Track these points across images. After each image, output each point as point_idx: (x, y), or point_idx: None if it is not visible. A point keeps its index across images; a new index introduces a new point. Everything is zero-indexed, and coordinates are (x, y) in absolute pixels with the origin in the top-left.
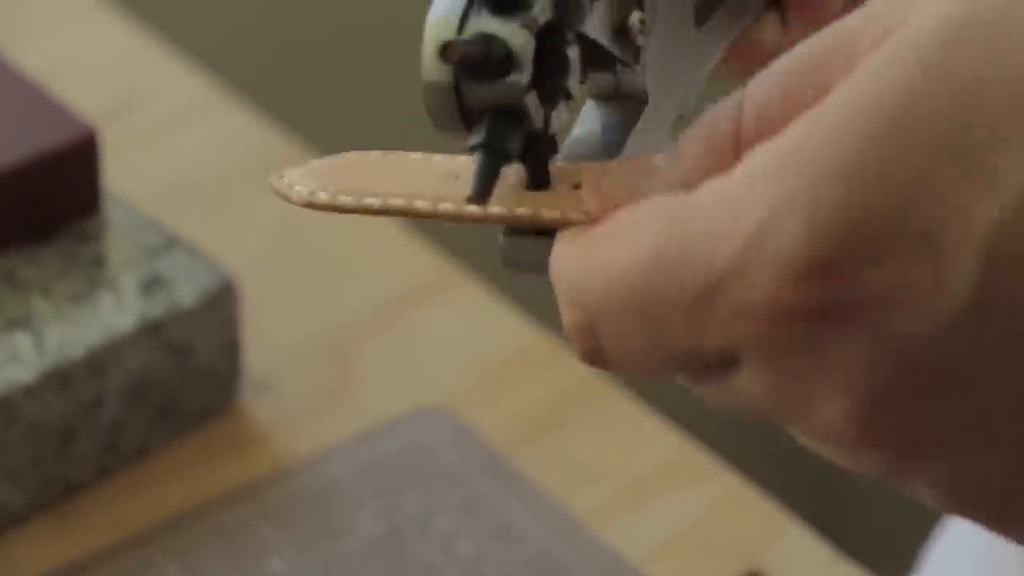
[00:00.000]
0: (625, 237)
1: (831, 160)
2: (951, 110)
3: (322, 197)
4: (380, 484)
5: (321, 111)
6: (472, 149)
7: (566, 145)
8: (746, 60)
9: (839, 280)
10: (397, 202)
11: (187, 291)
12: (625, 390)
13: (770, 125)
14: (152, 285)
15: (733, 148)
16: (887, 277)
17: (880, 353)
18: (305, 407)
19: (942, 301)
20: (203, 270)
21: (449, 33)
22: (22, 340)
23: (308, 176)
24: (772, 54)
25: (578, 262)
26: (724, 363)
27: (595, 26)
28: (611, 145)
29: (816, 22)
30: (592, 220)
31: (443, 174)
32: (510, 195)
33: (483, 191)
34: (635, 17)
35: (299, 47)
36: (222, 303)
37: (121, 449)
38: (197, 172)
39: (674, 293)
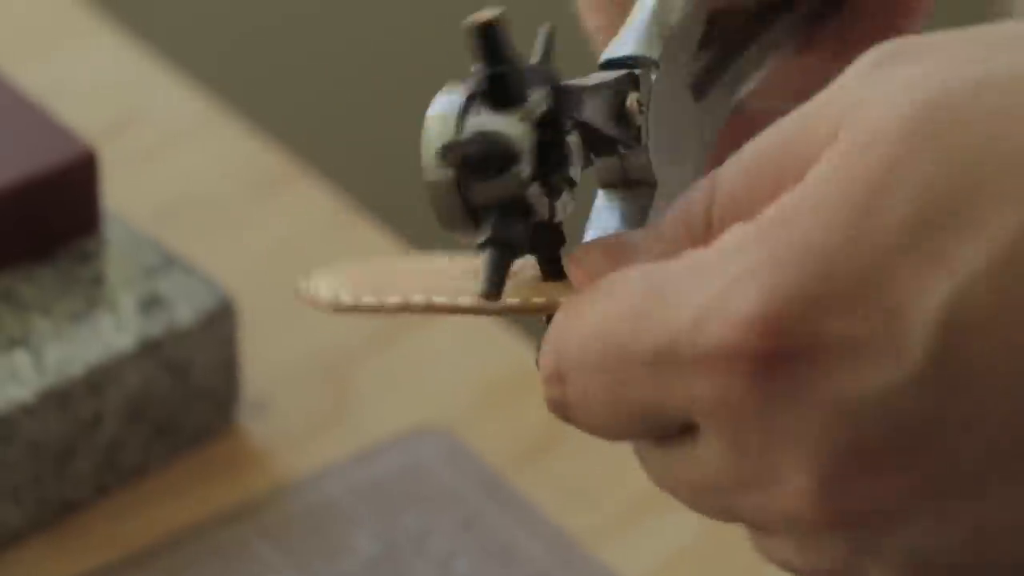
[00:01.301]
0: (606, 295)
1: (796, 239)
2: (908, 200)
3: (345, 299)
4: (378, 504)
5: (319, 130)
6: (480, 246)
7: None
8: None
9: (791, 339)
10: (417, 299)
11: (186, 310)
12: None
13: (738, 209)
14: (151, 304)
15: (706, 229)
16: (842, 333)
17: (837, 422)
18: (303, 427)
19: (897, 364)
20: (202, 289)
21: (448, 132)
22: (21, 359)
23: (331, 276)
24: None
25: (563, 320)
26: (684, 429)
27: (593, 111)
28: None
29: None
30: None
31: (465, 272)
32: (527, 287)
33: (494, 287)
34: (632, 99)
35: (297, 66)
36: (221, 322)
37: (119, 468)
38: (196, 191)
39: (638, 348)
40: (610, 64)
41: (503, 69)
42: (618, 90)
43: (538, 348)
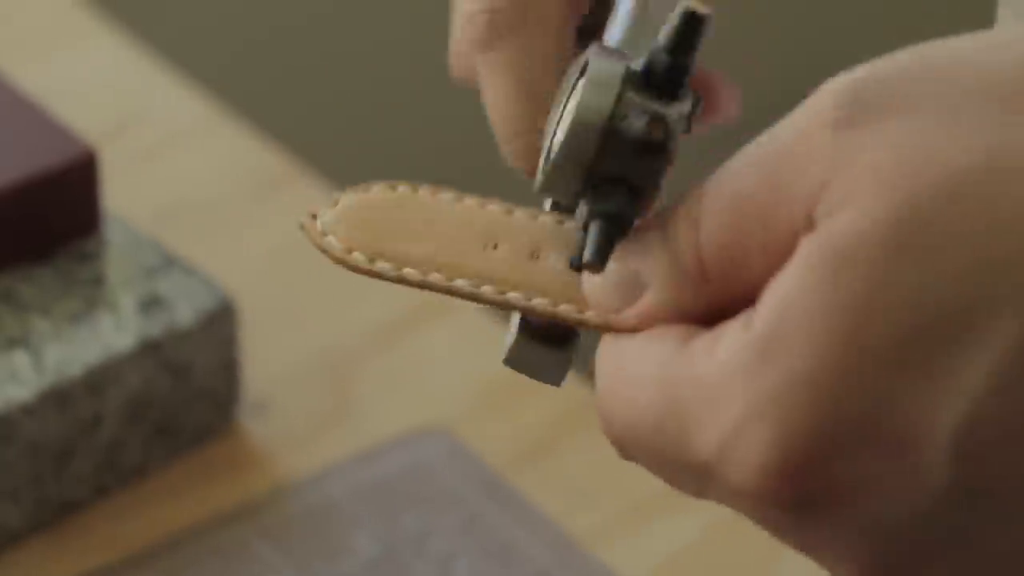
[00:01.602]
0: (634, 388)
1: (794, 370)
2: (897, 322)
3: (359, 260)
4: (378, 504)
5: (320, 131)
6: (598, 216)
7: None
8: None
9: (809, 482)
10: (438, 279)
11: (186, 311)
12: None
13: (732, 261)
14: (151, 305)
15: (703, 279)
16: (859, 478)
17: (870, 538)
18: (304, 427)
19: (919, 494)
20: (202, 290)
21: (608, 101)
22: (21, 359)
23: (341, 224)
24: None
25: (606, 387)
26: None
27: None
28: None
29: None
30: (605, 325)
31: (482, 236)
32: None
33: (601, 260)
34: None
35: (297, 67)
36: (221, 323)
37: (119, 468)
38: (196, 192)
39: (678, 461)
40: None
41: (688, 62)
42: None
43: None
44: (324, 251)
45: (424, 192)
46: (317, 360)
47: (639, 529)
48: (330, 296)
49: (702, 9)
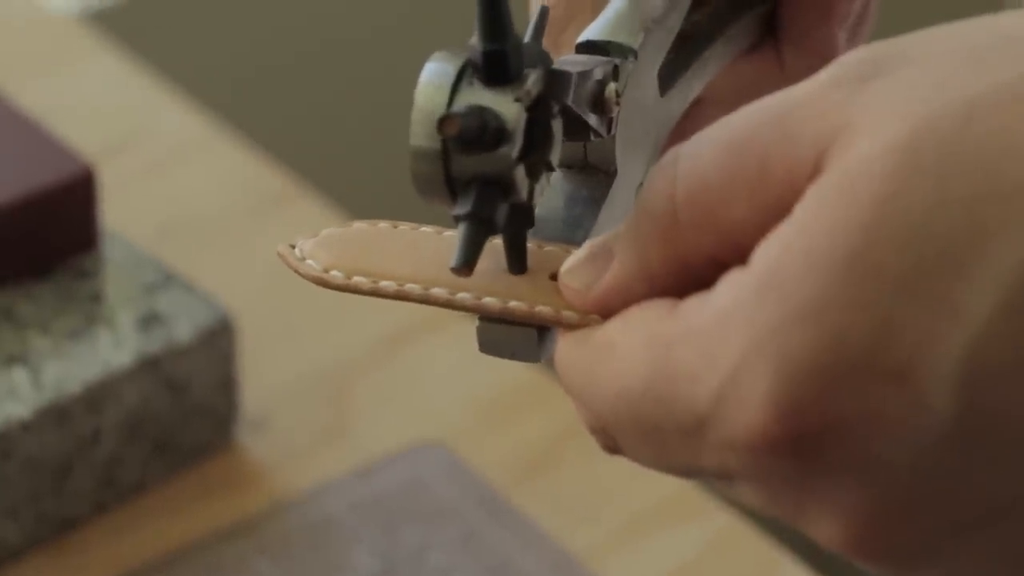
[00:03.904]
0: (620, 360)
1: (795, 303)
2: (906, 244)
3: (336, 277)
4: (376, 520)
5: (319, 149)
6: (458, 219)
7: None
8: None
9: (811, 419)
10: (414, 289)
11: (184, 328)
12: None
13: (708, 200)
14: (149, 321)
15: (673, 227)
16: (861, 411)
17: (867, 481)
18: (302, 443)
19: (921, 428)
20: (200, 307)
21: (441, 102)
22: (19, 376)
23: (320, 249)
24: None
25: (583, 374)
26: (725, 477)
27: (577, 97)
28: (571, 220)
29: (813, 57)
30: (583, 323)
31: (451, 254)
32: (497, 283)
33: (468, 261)
34: (611, 88)
35: (297, 86)
36: (219, 340)
37: (118, 485)
38: (195, 209)
39: (668, 423)
40: (589, 47)
41: (504, 46)
42: (600, 79)
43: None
44: (301, 273)
45: (404, 226)
46: (315, 376)
47: (637, 545)
48: (328, 313)
49: None
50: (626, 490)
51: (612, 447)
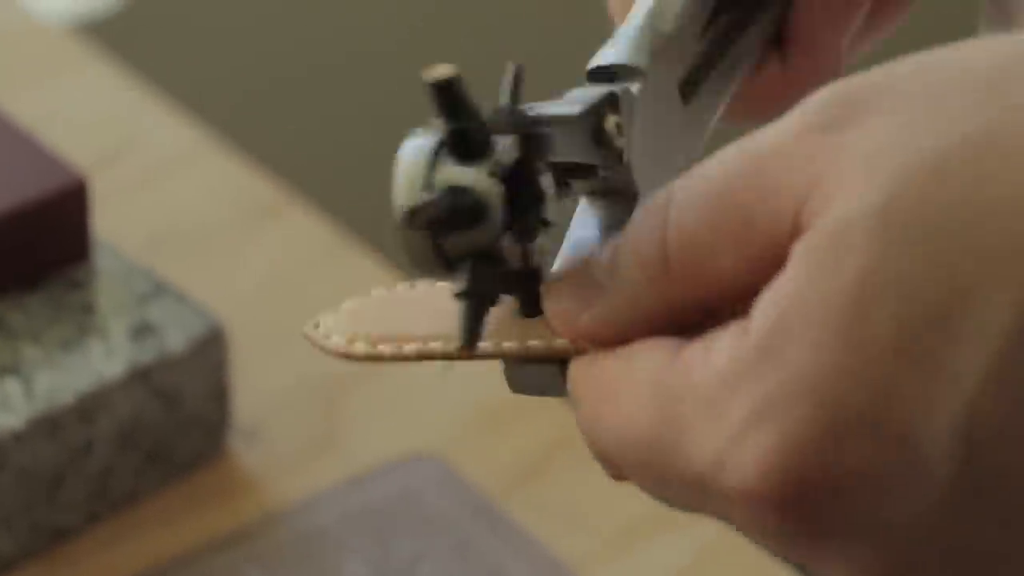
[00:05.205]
0: (626, 405)
1: (794, 373)
2: (895, 313)
3: (360, 348)
4: (369, 530)
5: (311, 159)
6: (456, 297)
7: (563, 250)
8: (755, 103)
9: (812, 481)
10: (436, 347)
11: (176, 338)
12: None
13: (698, 255)
14: (141, 332)
15: (664, 276)
16: (862, 474)
17: (874, 543)
18: (294, 453)
19: (921, 491)
20: (192, 317)
21: (418, 182)
22: (11, 386)
23: (342, 322)
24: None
25: (590, 412)
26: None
27: (569, 144)
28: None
29: (820, 62)
30: (576, 349)
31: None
32: (503, 328)
33: (471, 339)
34: (611, 122)
35: (289, 96)
36: (211, 350)
37: (110, 495)
38: (186, 220)
39: (671, 473)
40: (596, 73)
41: (464, 125)
42: (595, 116)
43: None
44: (327, 351)
45: (422, 285)
46: (308, 386)
47: (630, 554)
48: None
49: (442, 74)
50: (619, 499)
51: (619, 476)
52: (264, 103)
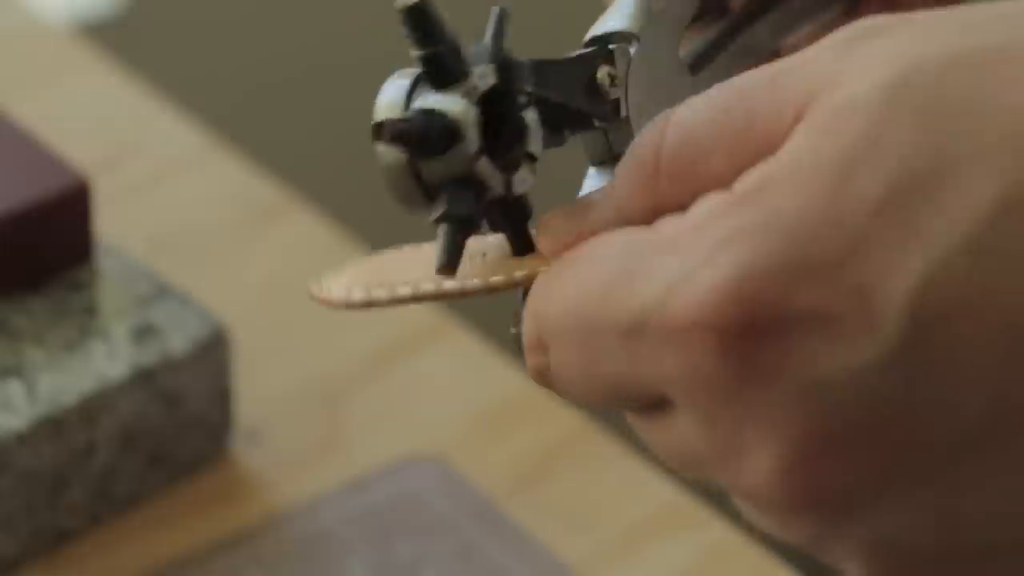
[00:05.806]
0: (584, 262)
1: (770, 208)
2: (887, 176)
3: (357, 293)
4: (371, 532)
5: (314, 161)
6: (436, 222)
7: None
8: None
9: (763, 308)
10: (427, 287)
11: (179, 340)
12: (617, 438)
13: (692, 153)
14: (144, 333)
15: (654, 172)
16: (813, 307)
17: (806, 401)
18: (297, 455)
19: (869, 345)
20: (195, 319)
21: (396, 110)
22: (14, 388)
23: (343, 276)
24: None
25: (542, 287)
26: (661, 404)
27: (560, 86)
28: None
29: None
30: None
31: (470, 254)
32: (494, 267)
33: (450, 262)
34: (603, 72)
35: (292, 98)
36: (214, 352)
37: (113, 497)
38: (189, 222)
39: (608, 322)
40: (593, 41)
41: (436, 49)
42: (586, 65)
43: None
44: (327, 301)
45: (426, 245)
46: (310, 389)
47: (632, 556)
48: (322, 325)
49: (408, 1)
50: (621, 501)
51: (541, 368)
52: (267, 105)
